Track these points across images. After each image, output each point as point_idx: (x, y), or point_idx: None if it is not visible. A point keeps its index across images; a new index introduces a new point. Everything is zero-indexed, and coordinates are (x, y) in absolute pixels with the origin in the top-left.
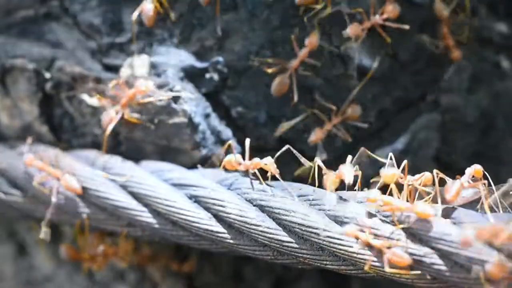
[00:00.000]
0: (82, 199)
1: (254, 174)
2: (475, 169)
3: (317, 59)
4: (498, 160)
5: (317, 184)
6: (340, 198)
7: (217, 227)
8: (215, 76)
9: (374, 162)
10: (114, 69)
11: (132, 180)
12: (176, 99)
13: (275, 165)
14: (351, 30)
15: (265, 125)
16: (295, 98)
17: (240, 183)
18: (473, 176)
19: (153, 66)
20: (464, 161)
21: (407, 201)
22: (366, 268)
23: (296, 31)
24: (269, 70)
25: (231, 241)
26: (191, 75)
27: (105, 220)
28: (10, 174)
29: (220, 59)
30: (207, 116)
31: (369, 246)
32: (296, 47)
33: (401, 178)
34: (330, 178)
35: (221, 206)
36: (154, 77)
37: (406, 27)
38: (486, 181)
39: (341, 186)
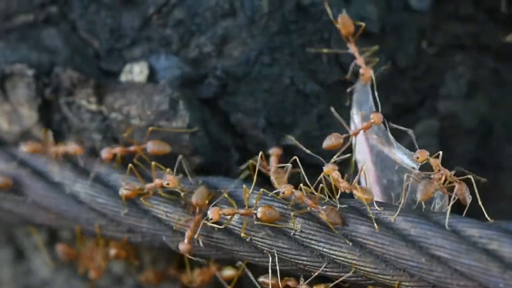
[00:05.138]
0: (83, 205)
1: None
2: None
3: (316, 64)
4: (497, 166)
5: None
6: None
7: (216, 233)
8: (214, 82)
9: None
10: (113, 74)
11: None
12: (175, 105)
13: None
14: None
15: (264, 131)
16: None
17: (238, 189)
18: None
19: (152, 72)
20: (462, 167)
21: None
22: None
23: None
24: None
25: (231, 247)
26: (190, 81)
27: (105, 226)
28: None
29: (219, 65)
30: (205, 122)
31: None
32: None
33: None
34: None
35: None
36: (152, 83)
37: None
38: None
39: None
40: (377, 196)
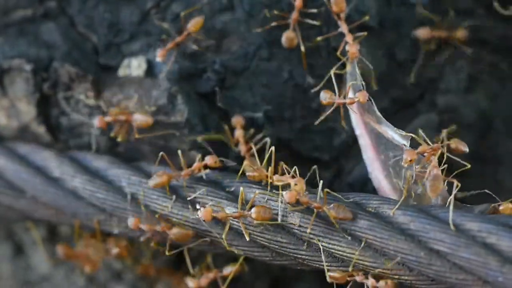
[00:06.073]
0: (82, 200)
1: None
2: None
3: (314, 58)
4: (496, 160)
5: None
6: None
7: (216, 228)
8: (212, 77)
9: None
10: (111, 69)
11: (131, 182)
12: (173, 99)
13: None
14: None
15: (262, 126)
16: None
17: (237, 184)
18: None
19: (150, 66)
20: (462, 161)
21: None
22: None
23: None
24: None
25: (229, 242)
26: (188, 76)
27: (104, 221)
28: (10, 174)
29: (217, 59)
30: (204, 116)
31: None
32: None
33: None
34: None
35: (219, 207)
36: (151, 77)
37: None
38: None
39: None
40: (379, 172)
